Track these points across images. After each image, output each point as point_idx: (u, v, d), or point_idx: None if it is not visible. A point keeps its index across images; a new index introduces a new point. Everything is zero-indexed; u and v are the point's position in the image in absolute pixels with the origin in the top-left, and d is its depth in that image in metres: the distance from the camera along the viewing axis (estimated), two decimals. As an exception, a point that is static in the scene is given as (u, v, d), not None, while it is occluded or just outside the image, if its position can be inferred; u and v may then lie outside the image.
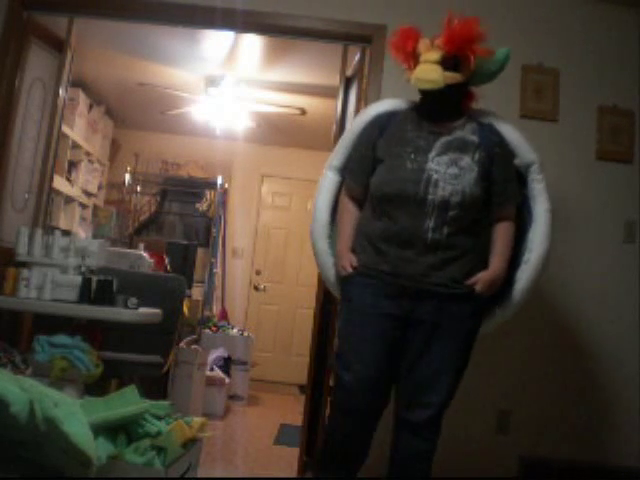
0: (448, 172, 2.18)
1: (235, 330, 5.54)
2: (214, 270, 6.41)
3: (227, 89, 5.22)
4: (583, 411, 3.10)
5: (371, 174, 2.28)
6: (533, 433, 3.08)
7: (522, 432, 3.08)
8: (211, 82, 5.21)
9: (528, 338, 3.13)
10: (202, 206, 6.67)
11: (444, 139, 2.25)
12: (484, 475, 3.01)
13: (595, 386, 3.12)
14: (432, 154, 2.21)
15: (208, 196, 6.69)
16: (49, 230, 3.36)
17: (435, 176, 2.17)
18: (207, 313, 5.94)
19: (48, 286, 2.75)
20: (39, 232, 2.88)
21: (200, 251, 6.18)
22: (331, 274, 2.42)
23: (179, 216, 6.62)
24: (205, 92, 5.30)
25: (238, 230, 6.71)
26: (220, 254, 6.54)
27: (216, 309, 6.33)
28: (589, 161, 3.23)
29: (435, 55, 2.21)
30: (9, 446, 1.54)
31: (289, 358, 6.50)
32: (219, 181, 6.52)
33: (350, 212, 2.35)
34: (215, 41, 4.46)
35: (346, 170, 2.42)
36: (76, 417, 1.57)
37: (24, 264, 2.86)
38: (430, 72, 2.20)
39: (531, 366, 3.12)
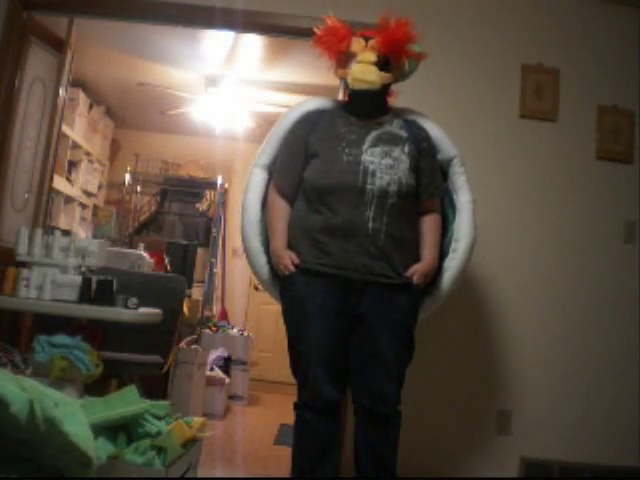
0: (383, 162, 2.25)
1: (235, 330, 5.53)
2: (214, 270, 6.41)
3: (227, 89, 5.22)
4: (584, 411, 3.10)
5: (302, 171, 2.31)
6: (534, 434, 3.08)
7: (523, 433, 3.07)
8: (211, 82, 5.21)
9: (527, 338, 3.13)
10: (202, 206, 6.67)
11: (374, 133, 2.31)
12: (485, 476, 3.01)
13: (595, 386, 3.12)
14: (365, 146, 2.28)
15: (208, 196, 6.69)
16: (49, 230, 3.36)
17: (371, 167, 2.24)
18: (207, 313, 5.94)
19: (48, 286, 2.74)
20: (39, 232, 2.88)
21: (200, 251, 6.18)
22: (264, 272, 2.42)
23: (179, 216, 6.62)
24: (205, 92, 5.31)
25: (238, 230, 6.70)
26: (220, 254, 6.54)
27: (216, 309, 6.33)
28: (589, 161, 3.23)
29: (372, 56, 2.28)
30: (9, 446, 1.54)
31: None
32: (219, 181, 6.52)
33: (281, 209, 2.35)
34: (215, 41, 4.46)
35: (275, 167, 2.43)
36: (76, 417, 1.57)
37: (24, 264, 2.86)
38: (368, 73, 2.27)
39: (531, 367, 3.12)
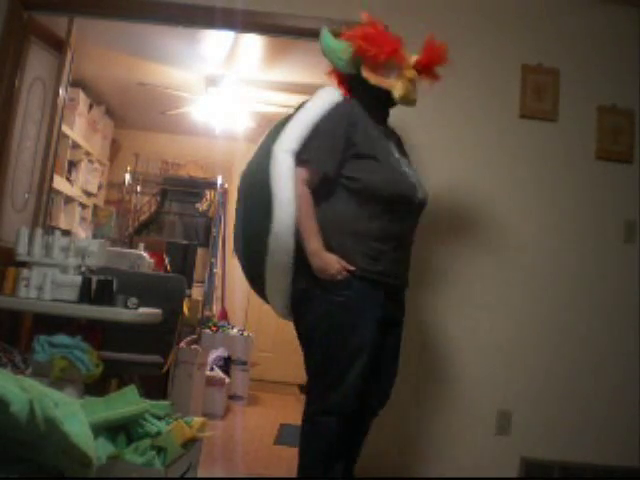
0: (415, 174, 2.33)
1: (235, 330, 5.54)
2: (214, 270, 6.41)
3: (227, 89, 5.22)
4: (584, 411, 3.10)
5: (339, 167, 2.20)
6: (534, 434, 3.08)
7: (523, 433, 3.07)
8: (211, 82, 5.21)
9: (527, 338, 3.13)
10: (202, 206, 6.67)
11: (393, 140, 2.38)
12: (485, 476, 3.01)
13: (595, 386, 3.12)
14: (397, 155, 2.32)
15: (208, 196, 6.69)
16: (49, 230, 3.36)
17: (414, 179, 2.29)
18: (207, 313, 5.94)
19: (48, 286, 2.74)
20: (39, 232, 2.88)
21: (200, 251, 6.18)
22: (285, 288, 2.21)
23: (179, 216, 6.62)
24: (205, 92, 5.31)
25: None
26: (220, 254, 6.54)
27: (216, 309, 6.33)
28: (589, 161, 3.23)
29: (416, 75, 2.32)
30: (9, 446, 1.54)
31: (289, 358, 6.47)
32: (219, 181, 6.52)
33: (312, 205, 2.18)
34: (215, 41, 4.46)
35: (309, 155, 2.20)
36: (76, 417, 1.57)
37: (24, 264, 2.86)
38: (414, 92, 2.32)
39: (531, 367, 3.11)
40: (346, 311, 2.15)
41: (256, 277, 2.32)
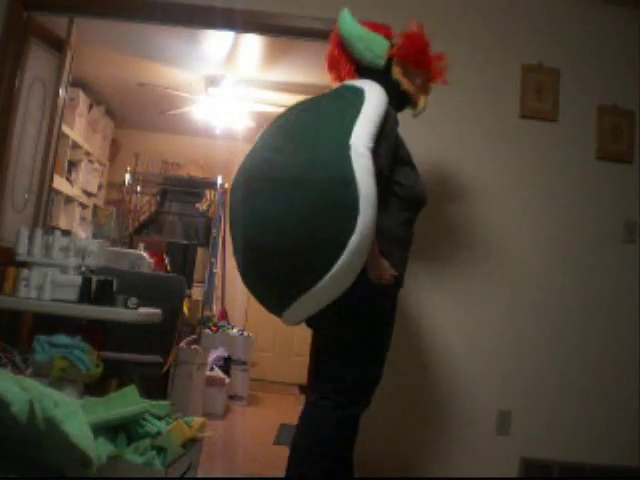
0: None
1: (235, 330, 5.54)
2: (214, 270, 6.41)
3: (227, 89, 5.23)
4: (584, 411, 3.10)
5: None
6: (534, 434, 3.08)
7: (523, 433, 3.07)
8: (211, 82, 5.21)
9: (527, 338, 3.13)
10: (202, 206, 6.67)
11: None
12: (485, 476, 3.01)
13: (595, 386, 3.12)
14: None
15: (208, 196, 6.69)
16: (49, 230, 3.36)
17: None
18: (207, 313, 5.94)
19: (48, 286, 2.74)
20: (39, 232, 2.88)
21: (200, 251, 6.18)
22: (335, 293, 2.00)
23: (179, 216, 6.61)
24: (205, 92, 5.31)
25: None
26: (220, 254, 6.54)
27: (216, 309, 6.33)
28: (589, 161, 3.23)
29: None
30: (9, 446, 1.54)
31: (289, 358, 6.50)
32: (219, 181, 6.52)
33: None
34: (215, 41, 4.46)
35: (380, 156, 2.06)
36: (76, 417, 1.57)
37: (24, 264, 2.86)
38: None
39: (531, 367, 3.11)
40: (392, 316, 2.20)
41: (292, 279, 2.03)
